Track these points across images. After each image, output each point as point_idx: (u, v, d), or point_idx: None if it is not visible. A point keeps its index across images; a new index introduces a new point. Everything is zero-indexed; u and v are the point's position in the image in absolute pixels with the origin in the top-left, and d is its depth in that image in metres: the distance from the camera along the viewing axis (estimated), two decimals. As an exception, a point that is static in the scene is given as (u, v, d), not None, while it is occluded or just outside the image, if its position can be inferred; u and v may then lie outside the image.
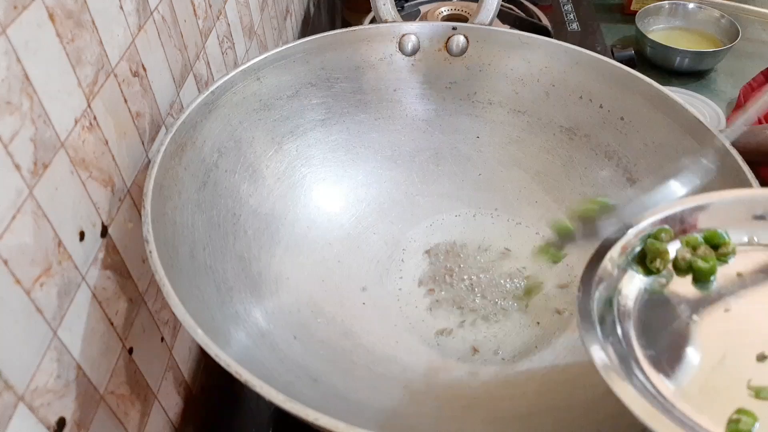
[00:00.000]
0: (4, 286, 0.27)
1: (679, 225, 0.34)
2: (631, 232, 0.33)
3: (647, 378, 0.27)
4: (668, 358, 0.28)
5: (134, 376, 0.38)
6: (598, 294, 0.30)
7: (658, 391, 0.27)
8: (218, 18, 0.54)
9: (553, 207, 0.53)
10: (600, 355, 0.27)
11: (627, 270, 0.32)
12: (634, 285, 0.32)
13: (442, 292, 0.49)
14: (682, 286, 0.32)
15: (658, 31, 0.95)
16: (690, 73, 0.89)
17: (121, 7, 0.37)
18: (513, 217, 0.54)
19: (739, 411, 0.26)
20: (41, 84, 0.29)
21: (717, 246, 0.33)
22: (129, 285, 0.38)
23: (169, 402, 0.44)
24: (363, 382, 0.42)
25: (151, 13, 0.41)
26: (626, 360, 0.28)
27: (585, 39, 0.87)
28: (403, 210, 0.55)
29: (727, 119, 0.80)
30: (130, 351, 0.38)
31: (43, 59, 0.29)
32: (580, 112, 0.52)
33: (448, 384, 0.43)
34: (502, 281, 0.49)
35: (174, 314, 0.31)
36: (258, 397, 0.29)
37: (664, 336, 0.29)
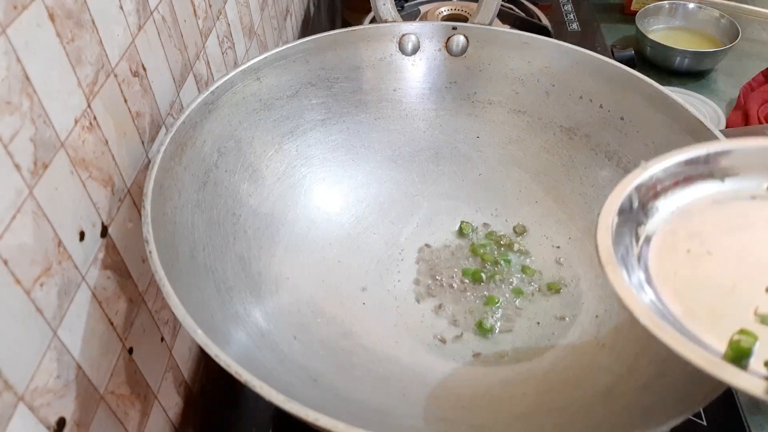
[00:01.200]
0: (4, 286, 0.27)
1: (703, 166, 0.34)
2: (658, 167, 0.33)
3: (657, 297, 0.28)
4: (680, 282, 0.29)
5: (134, 376, 0.38)
6: (618, 221, 0.30)
7: (667, 309, 0.28)
8: (218, 18, 0.54)
9: (553, 207, 0.53)
10: (612, 262, 0.27)
11: (651, 204, 0.32)
12: (658, 215, 0.32)
13: (442, 293, 0.49)
14: (704, 216, 0.32)
15: (658, 31, 0.95)
16: (690, 73, 0.89)
17: (121, 7, 0.37)
18: (513, 217, 0.54)
19: (742, 331, 0.26)
20: (41, 84, 0.29)
21: None
22: (129, 285, 0.38)
23: (169, 402, 0.44)
24: (363, 383, 0.42)
25: (151, 13, 0.41)
26: (639, 278, 0.29)
27: (585, 39, 0.87)
28: (403, 210, 0.55)
29: (727, 119, 0.80)
30: (130, 351, 0.38)
31: (43, 59, 0.29)
32: (580, 112, 0.52)
33: (447, 384, 0.43)
34: (501, 281, 0.49)
35: (174, 314, 0.31)
36: (258, 397, 0.29)
37: (679, 260, 0.30)
